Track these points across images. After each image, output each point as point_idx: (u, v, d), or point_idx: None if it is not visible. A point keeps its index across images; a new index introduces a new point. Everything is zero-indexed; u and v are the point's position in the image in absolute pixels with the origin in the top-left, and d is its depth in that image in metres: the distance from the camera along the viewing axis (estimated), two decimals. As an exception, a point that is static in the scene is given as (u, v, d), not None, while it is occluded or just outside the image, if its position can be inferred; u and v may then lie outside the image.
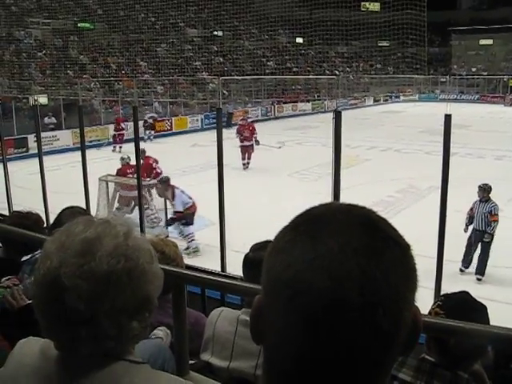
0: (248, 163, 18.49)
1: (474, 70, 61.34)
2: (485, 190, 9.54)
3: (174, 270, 2.02)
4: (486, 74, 58.96)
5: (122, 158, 12.64)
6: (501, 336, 1.61)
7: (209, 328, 2.40)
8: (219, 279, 2.13)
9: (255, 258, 2.41)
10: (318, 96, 43.38)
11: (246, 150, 18.63)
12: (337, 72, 54.09)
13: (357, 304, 0.63)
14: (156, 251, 2.68)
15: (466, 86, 57.31)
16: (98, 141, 23.70)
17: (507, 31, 60.25)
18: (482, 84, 56.87)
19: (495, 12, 61.88)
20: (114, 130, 23.37)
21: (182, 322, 1.98)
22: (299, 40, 55.65)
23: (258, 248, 2.52)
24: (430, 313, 2.17)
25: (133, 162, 11.20)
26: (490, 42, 63.07)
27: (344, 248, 0.66)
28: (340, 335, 0.64)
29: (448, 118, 4.15)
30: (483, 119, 34.72)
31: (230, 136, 18.23)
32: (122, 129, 23.09)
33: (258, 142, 18.90)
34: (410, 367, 1.96)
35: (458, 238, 9.68)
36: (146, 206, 11.22)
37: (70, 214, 3.11)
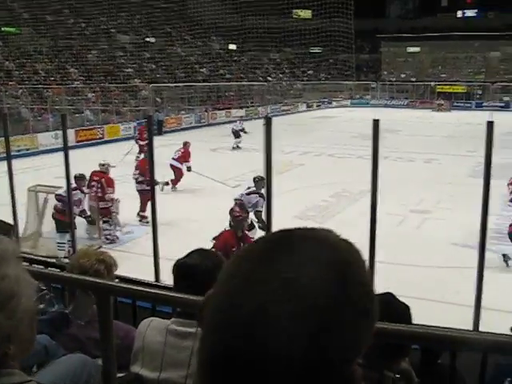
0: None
1: (403, 76, 63.00)
2: None
3: (98, 281, 1.97)
4: (414, 80, 60.67)
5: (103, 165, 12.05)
6: (423, 335, 1.64)
7: (138, 339, 2.35)
8: (146, 290, 2.08)
9: (185, 264, 2.39)
10: (251, 102, 43.59)
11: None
12: (269, 78, 54.49)
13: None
14: (75, 262, 2.60)
15: (395, 92, 58.82)
16: (27, 150, 23.03)
17: (433, 39, 62.20)
18: (410, 90, 58.49)
19: (421, 21, 63.88)
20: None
21: (108, 336, 1.92)
22: (232, 46, 55.87)
23: (189, 255, 2.49)
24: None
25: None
26: (417, 49, 65.01)
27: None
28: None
29: (376, 122, 4.19)
30: (412, 124, 35.64)
31: (163, 143, 18.11)
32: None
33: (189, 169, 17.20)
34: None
35: (389, 239, 9.90)
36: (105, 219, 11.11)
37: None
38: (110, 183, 11.24)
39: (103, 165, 11.68)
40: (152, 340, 2.30)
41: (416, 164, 20.20)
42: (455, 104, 53.24)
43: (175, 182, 15.95)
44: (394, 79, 62.08)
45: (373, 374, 1.94)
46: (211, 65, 49.99)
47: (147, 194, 10.45)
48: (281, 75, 57.84)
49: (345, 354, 0.66)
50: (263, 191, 9.46)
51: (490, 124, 4.72)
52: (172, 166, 15.86)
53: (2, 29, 35.54)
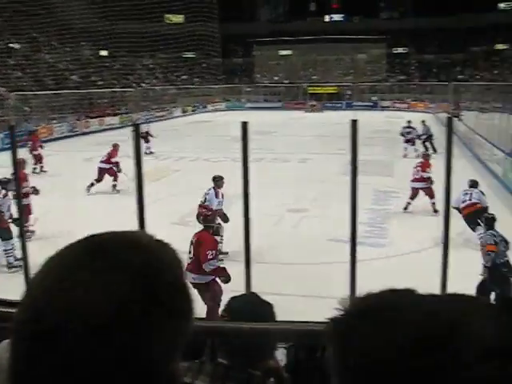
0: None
1: (276, 78, 64.40)
2: None
3: None
4: (287, 82, 62.17)
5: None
6: (285, 332, 1.62)
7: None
8: None
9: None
10: (125, 109, 42.76)
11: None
12: (143, 84, 53.82)
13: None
14: None
15: (269, 94, 59.97)
16: None
17: (304, 42, 64.05)
18: (284, 92, 59.86)
19: (292, 24, 65.63)
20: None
21: None
22: (103, 53, 54.63)
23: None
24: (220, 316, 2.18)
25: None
26: (289, 52, 66.73)
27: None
28: None
29: (245, 124, 4.17)
30: (287, 125, 36.38)
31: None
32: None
33: None
34: (207, 374, 1.90)
35: (268, 239, 9.99)
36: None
37: None
38: None
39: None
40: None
41: (291, 164, 20.55)
42: (327, 104, 55.09)
43: (114, 180, 16.45)
44: (268, 82, 63.31)
45: (239, 374, 1.90)
46: (82, 71, 48.54)
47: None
48: (154, 81, 57.29)
49: (158, 355, 0.66)
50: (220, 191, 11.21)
51: (354, 122, 4.85)
52: (100, 168, 16.40)
53: None
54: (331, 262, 9.32)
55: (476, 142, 22.29)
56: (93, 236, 0.72)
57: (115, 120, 38.94)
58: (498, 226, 8.00)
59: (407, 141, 22.66)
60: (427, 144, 22.82)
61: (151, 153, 22.59)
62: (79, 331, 0.61)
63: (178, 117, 48.45)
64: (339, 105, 55.47)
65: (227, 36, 58.63)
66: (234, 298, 2.20)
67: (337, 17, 68.54)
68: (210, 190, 11.45)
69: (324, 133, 27.95)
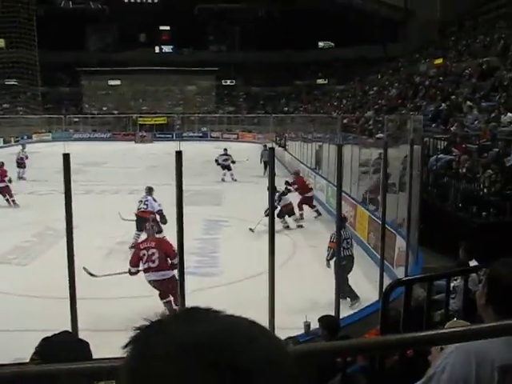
0: None
1: (105, 108, 63.32)
2: None
3: None
4: (116, 112, 61.37)
5: None
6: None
7: None
8: None
9: None
10: None
11: None
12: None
13: None
14: None
15: (98, 125, 58.73)
16: None
17: (133, 73, 63.75)
18: (113, 122, 58.98)
19: (121, 54, 65.12)
20: None
21: None
22: None
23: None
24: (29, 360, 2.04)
25: None
26: (118, 82, 66.05)
27: None
28: None
29: (66, 156, 4.04)
30: (117, 156, 35.75)
31: None
32: None
33: None
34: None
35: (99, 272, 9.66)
36: None
37: None
38: None
39: None
40: None
41: (121, 195, 20.17)
42: (157, 135, 55.04)
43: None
44: (96, 112, 62.04)
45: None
46: None
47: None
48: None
49: None
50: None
51: (179, 153, 4.89)
52: None
53: None
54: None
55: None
56: None
57: None
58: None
59: (224, 167, 24.70)
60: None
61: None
62: None
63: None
64: (169, 135, 55.61)
65: (54, 64, 56.81)
66: (45, 339, 2.08)
67: (167, 48, 69.10)
68: (146, 197, 13.24)
69: (154, 164, 27.78)
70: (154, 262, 8.89)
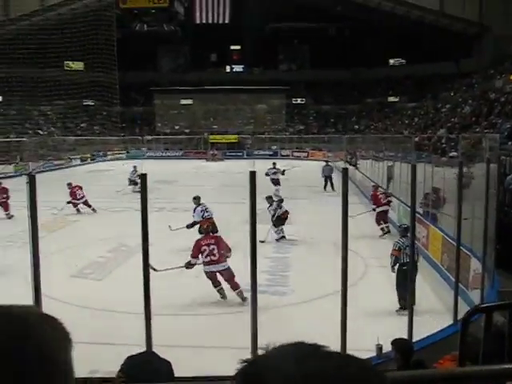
0: None
1: (176, 127, 64.57)
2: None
3: None
4: (188, 131, 62.47)
5: None
6: None
7: None
8: None
9: None
10: (20, 158, 41.36)
11: None
12: (41, 132, 52.45)
13: None
14: None
15: (170, 143, 59.96)
16: None
17: (204, 92, 64.80)
18: (185, 141, 60.06)
19: (193, 74, 66.33)
20: None
21: None
22: (-2, 98, 52.89)
23: None
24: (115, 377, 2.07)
25: None
26: (190, 101, 67.24)
27: None
28: None
29: (144, 176, 4.14)
30: (188, 174, 36.36)
31: None
32: None
33: None
34: None
35: (173, 290, 9.82)
36: None
37: None
38: None
39: None
40: None
41: (191, 214, 20.44)
42: (228, 154, 55.69)
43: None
44: (169, 131, 63.37)
45: None
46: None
47: None
48: (53, 128, 55.95)
49: None
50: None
51: (253, 174, 4.93)
52: None
53: None
54: (234, 312, 9.31)
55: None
56: None
57: (9, 169, 37.52)
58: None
59: (275, 182, 25.34)
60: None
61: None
62: None
63: (76, 165, 47.42)
64: (240, 154, 56.22)
65: (128, 85, 58.47)
66: (130, 358, 2.12)
67: (237, 68, 70.04)
68: (196, 208, 15.41)
69: (225, 182, 28.09)
70: (215, 255, 10.39)
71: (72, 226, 18.10)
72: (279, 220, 15.56)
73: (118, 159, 53.88)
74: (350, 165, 32.00)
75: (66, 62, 58.92)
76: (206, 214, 14.99)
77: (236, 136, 60.33)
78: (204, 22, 68.54)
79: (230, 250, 10.57)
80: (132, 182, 25.72)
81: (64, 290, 10.06)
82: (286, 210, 15.88)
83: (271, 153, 56.52)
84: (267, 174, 25.85)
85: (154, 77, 66.89)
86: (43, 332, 0.70)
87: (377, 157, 26.16)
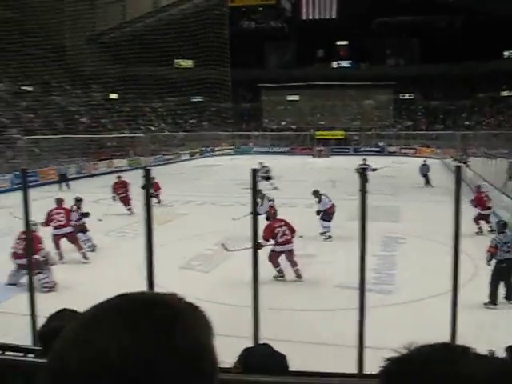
0: None
1: (283, 123, 64.93)
2: None
3: None
4: (294, 127, 62.64)
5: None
6: None
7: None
8: (14, 358, 1.91)
9: (49, 330, 2.22)
10: (134, 152, 43.16)
11: None
12: (152, 128, 54.35)
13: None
14: None
15: (276, 139, 60.35)
16: None
17: (311, 88, 64.73)
18: (291, 137, 60.24)
19: (300, 70, 66.39)
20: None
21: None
22: (113, 96, 55.32)
23: (53, 318, 2.33)
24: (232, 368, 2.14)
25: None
26: (296, 97, 67.39)
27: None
28: None
29: (254, 172, 4.22)
30: (294, 170, 36.51)
31: (43, 196, 17.41)
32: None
33: None
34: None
35: (276, 284, 9.94)
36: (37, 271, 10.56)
37: None
38: (38, 241, 11.01)
39: (33, 224, 11.79)
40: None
41: (298, 209, 20.56)
42: (334, 150, 55.37)
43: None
44: (275, 127, 63.82)
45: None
46: (92, 114, 49.14)
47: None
48: (163, 124, 57.82)
49: None
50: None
51: (363, 170, 4.94)
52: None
53: None
54: (336, 309, 9.29)
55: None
56: (126, 295, 0.76)
57: (123, 163, 39.27)
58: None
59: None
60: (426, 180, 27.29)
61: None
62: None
63: (185, 160, 48.80)
64: (346, 150, 55.78)
65: (236, 81, 59.41)
66: (247, 350, 2.19)
67: (344, 63, 69.47)
68: (320, 197, 16.55)
69: (331, 178, 27.95)
70: (287, 235, 11.64)
71: (180, 219, 18.63)
72: (326, 214, 16.01)
73: (225, 154, 54.93)
74: (460, 162, 31.00)
75: (176, 61, 60.70)
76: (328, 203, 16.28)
77: (343, 132, 59.89)
78: (311, 17, 68.50)
79: (294, 231, 11.85)
80: (264, 178, 25.78)
81: (173, 280, 10.41)
82: (333, 204, 16.38)
83: (378, 149, 55.70)
84: (357, 170, 25.73)
85: (261, 73, 67.55)
86: (190, 317, 0.76)
87: (489, 154, 25.19)
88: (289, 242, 11.66)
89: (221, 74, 56.20)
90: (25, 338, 5.66)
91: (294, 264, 11.58)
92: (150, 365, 0.66)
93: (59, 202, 13.97)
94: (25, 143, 32.57)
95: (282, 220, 12.07)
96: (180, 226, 16.82)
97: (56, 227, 13.29)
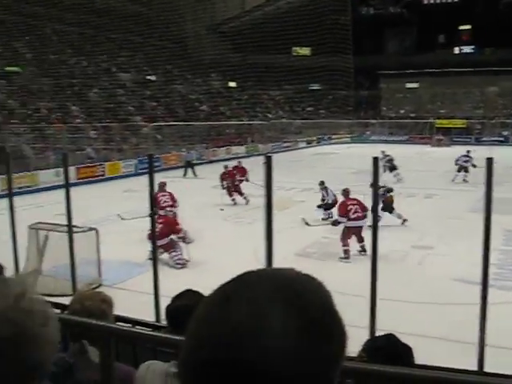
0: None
1: (402, 111, 63.51)
2: None
3: (99, 324, 1.95)
4: (413, 115, 61.09)
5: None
6: (425, 379, 1.61)
7: (138, 383, 2.32)
8: (146, 332, 2.07)
9: (175, 308, 2.38)
10: (251, 139, 43.89)
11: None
12: (269, 115, 54.90)
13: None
14: (79, 305, 2.58)
15: (395, 128, 59.14)
16: (28, 187, 23.08)
17: (431, 75, 62.85)
18: (410, 125, 58.80)
19: (419, 57, 64.60)
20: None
21: (108, 379, 1.90)
22: (232, 84, 56.39)
23: (178, 297, 2.49)
24: (357, 356, 2.17)
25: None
26: (416, 85, 65.66)
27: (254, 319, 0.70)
28: None
29: (376, 160, 4.24)
30: (412, 159, 35.71)
31: (164, 180, 18.10)
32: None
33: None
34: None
35: (392, 275, 9.83)
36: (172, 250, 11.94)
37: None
38: (174, 223, 12.48)
39: (169, 211, 13.42)
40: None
41: (416, 199, 20.18)
42: (455, 139, 53.44)
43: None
44: (394, 115, 62.55)
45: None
46: (211, 102, 50.40)
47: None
48: (281, 112, 58.26)
49: (324, 368, 0.73)
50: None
51: (490, 160, 4.76)
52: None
53: (6, 68, 35.92)
54: (455, 304, 9.08)
55: None
56: (251, 273, 0.79)
57: (241, 149, 40.05)
58: None
59: (460, 168, 24.86)
60: None
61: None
62: (247, 371, 0.67)
63: (302, 148, 48.98)
64: (468, 139, 53.66)
65: (354, 68, 58.71)
66: (372, 339, 2.23)
67: (467, 48, 66.69)
68: (326, 189, 17.21)
69: (452, 168, 27.12)
70: (359, 212, 12.57)
71: (297, 206, 18.79)
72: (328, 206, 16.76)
73: (342, 142, 54.60)
74: None
75: (293, 48, 60.86)
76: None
77: (464, 121, 57.63)
78: (432, 1, 66.35)
79: (366, 209, 12.20)
80: (388, 168, 25.15)
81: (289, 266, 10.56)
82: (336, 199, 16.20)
83: (502, 139, 53.17)
84: (457, 161, 25.26)
85: (380, 60, 66.35)
86: (315, 287, 0.79)
87: None
88: (360, 218, 12.61)
89: (343, 61, 55.75)
90: (143, 314, 5.96)
91: (360, 240, 12.58)
92: (285, 336, 0.70)
93: (162, 186, 14.80)
94: (149, 130, 34.00)
95: (355, 199, 13.02)
96: (297, 213, 16.93)
97: (161, 208, 14.07)
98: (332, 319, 0.76)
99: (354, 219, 12.63)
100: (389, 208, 15.40)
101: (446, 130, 55.98)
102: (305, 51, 62.03)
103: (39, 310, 1.05)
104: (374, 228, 3.96)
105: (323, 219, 16.35)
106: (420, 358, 2.46)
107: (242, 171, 21.17)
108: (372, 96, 65.86)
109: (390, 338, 2.24)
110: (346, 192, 13.49)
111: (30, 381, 1.02)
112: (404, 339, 2.48)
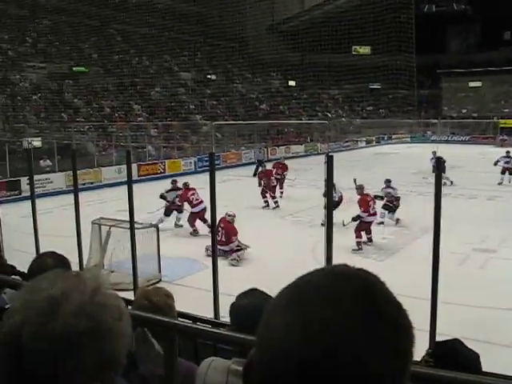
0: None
1: (464, 111, 62.08)
2: None
3: (165, 320, 1.99)
4: (476, 115, 59.62)
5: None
6: None
7: (199, 380, 2.35)
8: (210, 329, 2.10)
9: (240, 306, 2.40)
10: (310, 139, 43.77)
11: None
12: (329, 114, 54.61)
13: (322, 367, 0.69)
14: (146, 300, 2.64)
15: (456, 128, 57.86)
16: (91, 183, 23.69)
17: (495, 73, 61.21)
18: (472, 125, 57.43)
19: (483, 55, 62.95)
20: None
21: (172, 374, 1.95)
22: (292, 83, 56.33)
23: (243, 296, 2.51)
24: (421, 361, 2.14)
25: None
26: (478, 84, 64.00)
27: (330, 321, 0.72)
28: None
29: (439, 160, 4.19)
30: (474, 160, 34.94)
31: (224, 178, 18.26)
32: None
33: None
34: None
35: (452, 279, 9.65)
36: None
37: (40, 263, 3.10)
38: (233, 233, 12.59)
39: (230, 215, 12.96)
40: (213, 381, 2.29)
41: (478, 201, 19.72)
42: (520, 139, 51.85)
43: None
44: (455, 114, 61.20)
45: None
46: (271, 101, 50.51)
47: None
48: (340, 111, 57.87)
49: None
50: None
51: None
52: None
53: (74, 69, 36.99)
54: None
55: None
56: (321, 270, 0.81)
57: (301, 148, 40.00)
58: None
59: (504, 170, 24.25)
60: None
61: None
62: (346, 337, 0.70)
63: (362, 147, 48.56)
64: (533, 140, 52.04)
65: (415, 67, 57.81)
66: (439, 344, 2.19)
67: (533, 46, 64.68)
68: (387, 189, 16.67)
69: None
70: (375, 209, 14.03)
71: (357, 206, 18.60)
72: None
73: (402, 142, 53.86)
74: None
75: (353, 47, 60.29)
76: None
77: (529, 121, 55.96)
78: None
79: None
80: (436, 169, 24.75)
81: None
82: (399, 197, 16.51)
83: None
84: (497, 162, 24.83)
85: (441, 59, 65.03)
86: (383, 286, 0.80)
87: None
88: (376, 214, 14.19)
89: (404, 59, 54.87)
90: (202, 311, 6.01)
91: (369, 232, 13.62)
92: (367, 332, 0.71)
93: (186, 185, 15.43)
94: (209, 129, 34.35)
95: (368, 194, 14.10)
96: (355, 213, 16.80)
97: (194, 206, 14.86)
98: (402, 312, 0.78)
99: (373, 214, 13.91)
100: (393, 209, 15.98)
101: (511, 129, 54.41)
102: (365, 50, 61.34)
103: (113, 305, 1.08)
104: (436, 231, 3.92)
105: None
106: (485, 366, 2.41)
107: (283, 168, 21.10)
108: (433, 95, 64.59)
109: (457, 344, 2.21)
110: (361, 188, 14.17)
111: (106, 373, 1.06)
112: (466, 345, 2.43)
